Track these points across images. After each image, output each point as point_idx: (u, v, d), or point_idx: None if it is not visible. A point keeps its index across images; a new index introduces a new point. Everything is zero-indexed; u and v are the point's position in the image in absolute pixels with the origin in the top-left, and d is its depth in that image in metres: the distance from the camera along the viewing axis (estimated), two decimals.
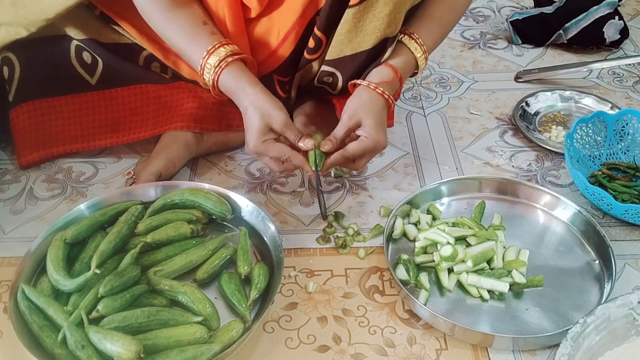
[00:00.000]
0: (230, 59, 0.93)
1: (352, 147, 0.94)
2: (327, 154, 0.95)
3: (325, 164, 0.95)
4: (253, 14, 0.98)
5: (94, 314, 0.78)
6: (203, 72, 0.94)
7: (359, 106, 0.94)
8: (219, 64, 0.92)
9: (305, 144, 0.93)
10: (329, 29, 0.95)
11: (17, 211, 1.04)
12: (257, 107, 0.92)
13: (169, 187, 0.99)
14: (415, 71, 1.01)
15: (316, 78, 1.04)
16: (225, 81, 0.93)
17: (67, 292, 0.83)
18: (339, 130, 0.95)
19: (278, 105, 0.93)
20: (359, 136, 0.95)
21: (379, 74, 0.96)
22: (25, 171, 1.12)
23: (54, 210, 1.05)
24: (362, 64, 0.98)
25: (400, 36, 0.98)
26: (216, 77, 0.93)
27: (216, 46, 0.93)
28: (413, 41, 0.97)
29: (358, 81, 0.97)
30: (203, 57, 0.93)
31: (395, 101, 1.01)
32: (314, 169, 0.94)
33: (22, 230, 1.01)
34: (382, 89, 0.95)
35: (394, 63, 0.97)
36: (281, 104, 0.94)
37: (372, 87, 0.95)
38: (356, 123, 0.94)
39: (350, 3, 0.90)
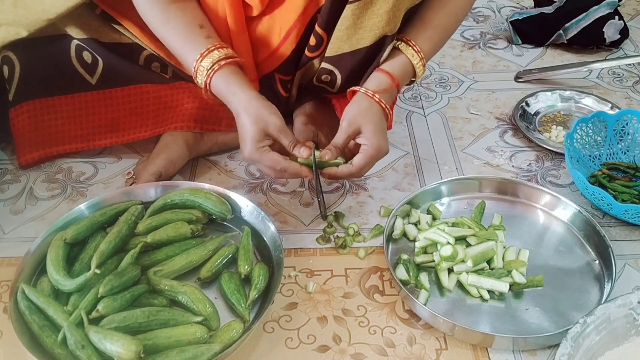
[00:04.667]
0: (223, 62, 0.92)
1: (357, 160, 0.93)
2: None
3: (328, 174, 0.94)
4: (255, 13, 0.98)
5: (94, 314, 0.78)
6: (196, 74, 0.93)
7: (358, 113, 0.93)
8: (211, 66, 0.91)
9: (301, 152, 0.92)
10: (330, 26, 0.95)
11: (17, 211, 1.04)
12: (250, 112, 0.90)
13: (169, 187, 0.99)
14: (413, 79, 1.01)
15: (315, 77, 1.04)
16: (217, 84, 0.92)
17: (67, 292, 0.83)
18: (339, 138, 0.94)
19: (272, 109, 0.92)
20: (359, 144, 0.94)
21: (377, 81, 0.96)
22: (25, 171, 1.12)
23: (54, 210, 1.05)
24: (360, 62, 0.98)
25: (398, 43, 0.97)
26: (208, 80, 0.92)
27: (210, 49, 0.92)
28: (410, 48, 0.96)
29: (356, 88, 0.96)
30: (196, 60, 0.92)
31: (392, 108, 1.00)
32: (312, 172, 0.94)
33: (22, 230, 1.01)
34: (379, 97, 0.94)
35: (391, 70, 0.96)
36: (275, 108, 0.93)
37: (369, 94, 0.94)
38: (355, 130, 0.93)
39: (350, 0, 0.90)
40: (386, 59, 0.97)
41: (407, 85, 1.03)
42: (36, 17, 1.00)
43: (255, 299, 0.85)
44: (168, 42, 0.97)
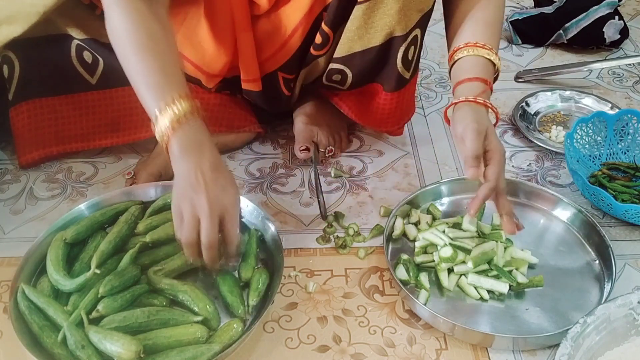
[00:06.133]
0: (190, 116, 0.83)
1: (491, 172, 0.85)
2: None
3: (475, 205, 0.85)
4: (261, 11, 0.98)
5: (94, 314, 0.78)
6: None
7: (472, 120, 0.85)
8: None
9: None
10: (337, 25, 0.95)
11: (17, 211, 1.04)
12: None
13: (169, 187, 0.99)
14: (497, 74, 0.95)
15: (325, 76, 1.04)
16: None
17: (67, 292, 0.83)
18: (476, 145, 0.83)
19: None
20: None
21: (471, 89, 0.89)
22: (25, 171, 1.12)
23: (54, 210, 1.04)
24: (371, 60, 0.98)
25: (471, 51, 0.91)
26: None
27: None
28: (480, 48, 0.91)
29: (458, 100, 0.89)
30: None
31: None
32: None
33: (22, 230, 1.01)
34: (482, 99, 0.88)
35: (480, 75, 0.90)
36: None
37: (472, 99, 0.88)
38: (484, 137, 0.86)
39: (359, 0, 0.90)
40: (468, 69, 0.91)
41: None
42: (28, 11, 0.99)
43: (255, 304, 0.84)
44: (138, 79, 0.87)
